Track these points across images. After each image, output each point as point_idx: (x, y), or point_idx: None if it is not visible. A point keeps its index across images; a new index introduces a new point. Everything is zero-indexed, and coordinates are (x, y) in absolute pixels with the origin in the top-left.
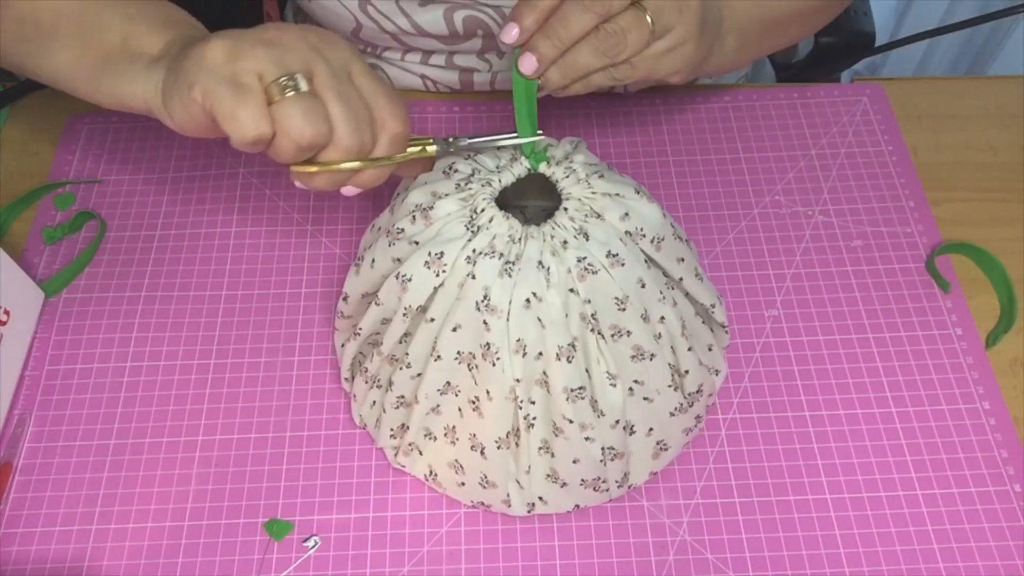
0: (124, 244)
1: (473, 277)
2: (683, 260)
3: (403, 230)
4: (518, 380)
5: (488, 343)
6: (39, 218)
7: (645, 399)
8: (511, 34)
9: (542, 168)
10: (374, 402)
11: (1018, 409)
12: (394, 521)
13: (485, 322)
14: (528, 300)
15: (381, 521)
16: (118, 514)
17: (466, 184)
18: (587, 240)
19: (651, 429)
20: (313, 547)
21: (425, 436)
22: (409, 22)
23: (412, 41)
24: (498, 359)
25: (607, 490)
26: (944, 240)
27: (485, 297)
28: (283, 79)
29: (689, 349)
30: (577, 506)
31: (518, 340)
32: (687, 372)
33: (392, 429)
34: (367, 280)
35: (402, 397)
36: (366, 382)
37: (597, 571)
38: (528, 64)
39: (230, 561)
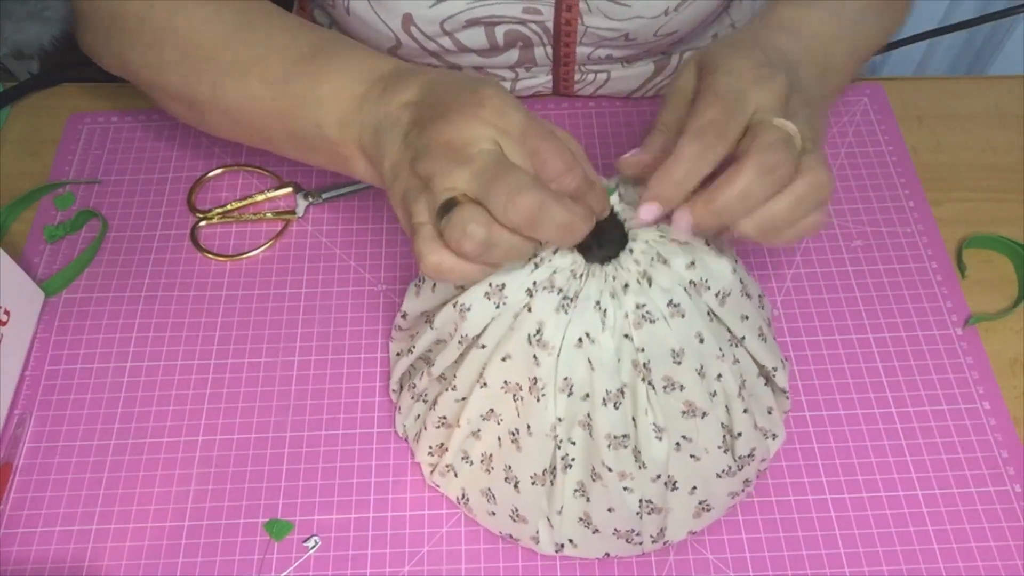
0: (124, 244)
1: (529, 310)
2: (747, 318)
3: None
4: (560, 419)
5: (536, 378)
6: (39, 218)
7: (692, 456)
8: (650, 214)
9: (612, 200)
10: (418, 415)
11: (1018, 409)
12: (394, 521)
13: (535, 356)
14: (580, 340)
15: (381, 521)
16: (118, 514)
17: None
18: (649, 286)
19: (694, 488)
20: (313, 547)
21: (462, 459)
22: (451, 40)
23: (451, 57)
24: (543, 395)
25: (640, 543)
26: (947, 238)
27: (538, 331)
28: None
29: (745, 411)
30: (607, 554)
31: (565, 379)
32: (740, 434)
33: (431, 447)
34: (427, 302)
35: (444, 418)
36: (412, 397)
37: (597, 568)
38: (650, 213)
39: (230, 561)
